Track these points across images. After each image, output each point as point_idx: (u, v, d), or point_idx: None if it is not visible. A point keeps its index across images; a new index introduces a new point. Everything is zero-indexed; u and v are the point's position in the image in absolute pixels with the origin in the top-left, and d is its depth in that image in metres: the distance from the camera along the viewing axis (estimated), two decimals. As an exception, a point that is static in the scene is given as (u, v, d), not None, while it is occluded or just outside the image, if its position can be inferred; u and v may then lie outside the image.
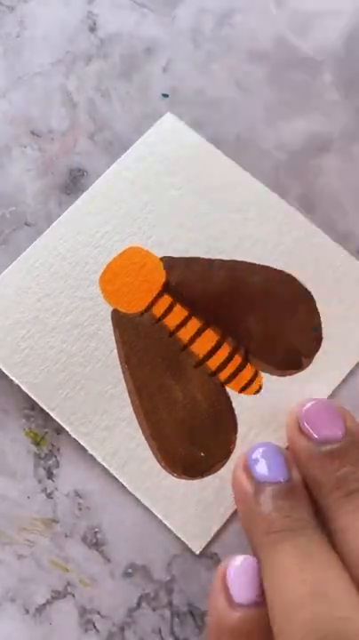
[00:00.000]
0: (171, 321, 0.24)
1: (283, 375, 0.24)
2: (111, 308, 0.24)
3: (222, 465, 0.23)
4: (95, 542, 0.23)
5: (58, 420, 0.23)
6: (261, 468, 0.21)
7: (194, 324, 0.24)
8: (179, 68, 0.27)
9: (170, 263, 0.25)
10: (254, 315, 0.24)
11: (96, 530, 0.23)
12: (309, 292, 0.25)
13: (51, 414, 0.23)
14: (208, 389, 0.24)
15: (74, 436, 0.23)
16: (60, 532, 0.23)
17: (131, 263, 0.25)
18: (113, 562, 0.23)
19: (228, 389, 0.24)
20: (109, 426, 0.23)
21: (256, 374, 0.24)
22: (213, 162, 0.26)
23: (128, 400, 0.24)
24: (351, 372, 0.24)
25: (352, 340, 0.24)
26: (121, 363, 0.24)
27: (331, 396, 0.24)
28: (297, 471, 0.21)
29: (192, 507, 0.23)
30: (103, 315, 0.24)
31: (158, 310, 0.24)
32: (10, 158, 0.26)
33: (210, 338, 0.24)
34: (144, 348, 0.24)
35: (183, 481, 0.23)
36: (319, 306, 0.25)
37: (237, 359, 0.24)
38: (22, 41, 0.27)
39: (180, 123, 0.26)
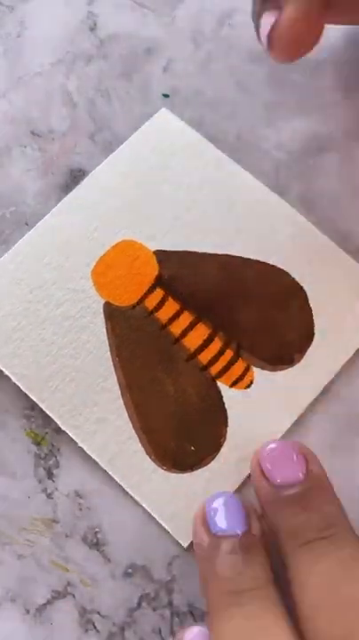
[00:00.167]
0: (163, 314, 0.24)
1: (275, 370, 0.24)
2: (103, 301, 0.24)
3: (212, 459, 0.23)
4: (95, 542, 0.23)
5: (47, 412, 0.23)
6: (219, 519, 0.20)
7: (186, 318, 0.24)
8: (179, 68, 0.27)
9: (163, 257, 0.25)
10: (246, 309, 0.24)
11: (96, 530, 0.23)
12: (302, 288, 0.25)
13: (41, 406, 0.23)
14: (199, 383, 0.24)
15: (63, 428, 0.23)
16: (61, 532, 0.23)
17: (124, 256, 0.25)
18: (113, 562, 0.23)
19: (219, 384, 0.24)
20: (100, 419, 0.23)
21: (247, 369, 0.24)
22: (207, 156, 0.26)
23: (119, 393, 0.24)
24: (342, 368, 0.24)
25: (344, 337, 0.24)
26: (112, 356, 0.24)
27: (323, 391, 0.24)
28: (257, 521, 0.20)
29: (181, 500, 0.23)
30: (95, 307, 0.24)
31: (150, 303, 0.24)
32: (10, 158, 0.26)
33: (201, 332, 0.24)
34: (135, 342, 0.24)
35: (173, 474, 0.23)
36: (311, 302, 0.25)
37: (229, 354, 0.24)
38: (22, 41, 0.27)
39: (175, 117, 0.26)
